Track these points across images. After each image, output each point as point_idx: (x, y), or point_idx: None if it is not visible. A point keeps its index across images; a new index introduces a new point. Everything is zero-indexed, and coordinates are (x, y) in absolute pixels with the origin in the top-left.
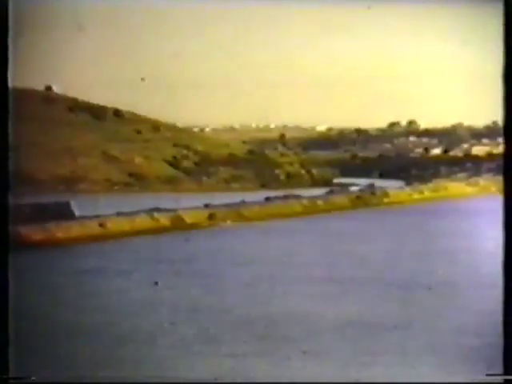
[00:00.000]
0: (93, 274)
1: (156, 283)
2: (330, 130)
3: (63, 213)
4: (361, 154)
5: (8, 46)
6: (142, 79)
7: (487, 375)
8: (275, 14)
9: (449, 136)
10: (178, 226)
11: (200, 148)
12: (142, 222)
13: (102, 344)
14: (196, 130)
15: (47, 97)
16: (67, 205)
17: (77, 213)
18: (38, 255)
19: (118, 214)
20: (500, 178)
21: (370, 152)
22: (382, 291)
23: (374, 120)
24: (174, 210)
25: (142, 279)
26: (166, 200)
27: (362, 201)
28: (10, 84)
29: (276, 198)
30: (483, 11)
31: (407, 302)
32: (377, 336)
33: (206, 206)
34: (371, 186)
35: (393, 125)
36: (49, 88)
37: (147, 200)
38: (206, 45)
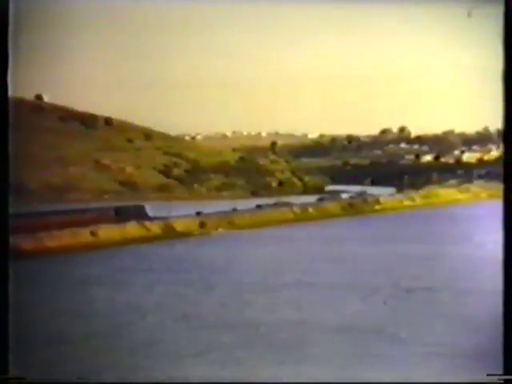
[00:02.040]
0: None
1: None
2: (321, 137)
3: (140, 214)
4: (352, 161)
5: (8, 55)
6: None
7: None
8: (263, 22)
9: (440, 143)
10: (170, 234)
11: (191, 156)
12: (133, 230)
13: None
14: (187, 138)
15: (38, 106)
16: (143, 207)
17: (150, 214)
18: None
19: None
20: (490, 185)
21: (362, 159)
22: (367, 296)
23: (366, 127)
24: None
25: (133, 287)
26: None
27: (354, 208)
28: (10, 93)
29: (267, 205)
30: (483, 11)
31: (391, 307)
32: (361, 342)
33: (198, 213)
34: (363, 193)
35: (384, 132)
36: (39, 97)
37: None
38: (199, 53)
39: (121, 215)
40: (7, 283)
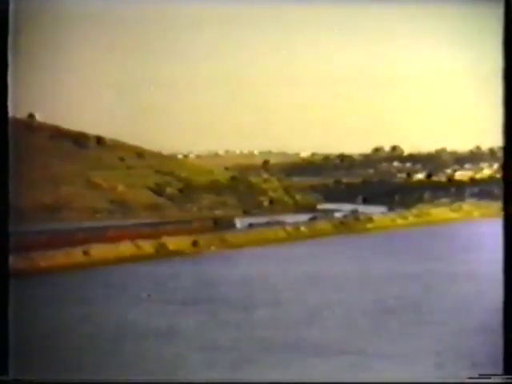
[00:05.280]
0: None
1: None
2: (314, 155)
3: (230, 224)
4: (345, 180)
5: (7, 56)
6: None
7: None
8: (253, 36)
9: (432, 161)
10: (162, 253)
11: (183, 175)
12: (126, 249)
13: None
14: (180, 156)
15: (29, 125)
16: (233, 219)
17: (238, 225)
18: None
19: None
20: (482, 203)
21: (354, 177)
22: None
23: (358, 145)
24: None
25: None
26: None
27: (346, 226)
28: (11, 113)
29: (260, 224)
30: (483, 11)
31: (372, 327)
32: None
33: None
34: (355, 211)
35: (376, 150)
36: (31, 116)
37: None
38: (190, 70)
39: (218, 225)
40: (7, 298)
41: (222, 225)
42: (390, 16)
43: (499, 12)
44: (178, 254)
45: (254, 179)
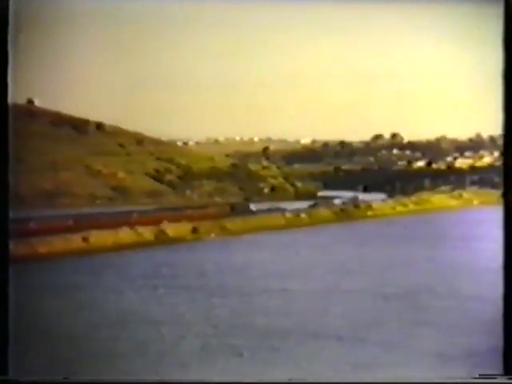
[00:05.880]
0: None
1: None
2: (314, 142)
3: (246, 210)
4: (345, 167)
5: (8, 55)
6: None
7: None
8: (257, 30)
9: (432, 149)
10: (162, 240)
11: (183, 161)
12: (125, 236)
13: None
14: (180, 143)
15: (29, 110)
16: (248, 205)
17: (253, 209)
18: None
19: None
20: (482, 191)
21: (354, 165)
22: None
23: (358, 133)
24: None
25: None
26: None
27: (346, 214)
28: (10, 100)
29: (260, 211)
30: (483, 11)
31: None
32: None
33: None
34: (355, 198)
35: (377, 138)
36: (31, 101)
37: None
38: (193, 59)
39: (234, 210)
40: (7, 286)
41: (239, 210)
42: (391, 14)
43: (499, 10)
44: (177, 240)
45: (254, 166)
